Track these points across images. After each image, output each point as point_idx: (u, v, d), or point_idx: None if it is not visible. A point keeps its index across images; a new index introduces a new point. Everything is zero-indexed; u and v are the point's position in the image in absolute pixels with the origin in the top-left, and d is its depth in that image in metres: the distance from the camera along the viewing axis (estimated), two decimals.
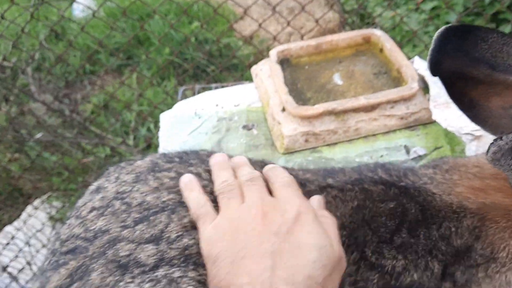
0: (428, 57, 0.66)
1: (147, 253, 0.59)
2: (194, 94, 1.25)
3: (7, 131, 2.34)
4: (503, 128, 0.68)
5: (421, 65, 1.16)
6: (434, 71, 0.67)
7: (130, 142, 2.81)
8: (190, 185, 0.65)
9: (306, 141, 1.06)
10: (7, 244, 2.15)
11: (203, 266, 0.58)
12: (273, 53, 1.21)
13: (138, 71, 3.38)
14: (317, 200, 0.65)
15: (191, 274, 0.57)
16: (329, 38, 1.24)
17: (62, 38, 3.69)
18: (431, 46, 0.65)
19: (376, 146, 1.07)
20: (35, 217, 2.28)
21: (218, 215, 0.61)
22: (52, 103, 2.76)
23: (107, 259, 0.60)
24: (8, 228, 2.34)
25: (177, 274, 0.57)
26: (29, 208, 2.44)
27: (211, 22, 3.51)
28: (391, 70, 1.19)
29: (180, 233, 0.61)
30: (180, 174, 0.68)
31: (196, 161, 0.73)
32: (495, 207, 0.68)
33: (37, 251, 2.18)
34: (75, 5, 3.93)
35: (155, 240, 0.60)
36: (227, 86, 1.28)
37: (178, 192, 0.65)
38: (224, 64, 3.06)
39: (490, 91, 0.67)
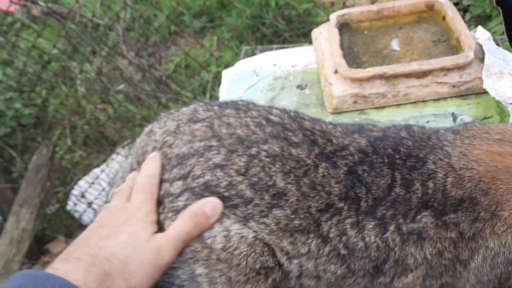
0: None
1: (175, 186, 0.70)
2: (255, 54, 1.31)
3: (95, 83, 2.58)
4: None
5: (482, 35, 1.14)
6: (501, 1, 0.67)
7: (206, 100, 2.96)
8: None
9: (355, 102, 1.10)
10: (92, 183, 2.40)
11: (217, 193, 0.69)
12: (333, 17, 1.24)
13: (218, 34, 3.50)
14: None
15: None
16: (391, 4, 1.24)
17: (151, 1, 3.89)
18: None
19: (424, 112, 1.08)
20: (117, 161, 2.51)
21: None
22: (135, 58, 2.96)
23: None
24: (95, 171, 2.61)
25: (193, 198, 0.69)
26: (113, 155, 2.68)
27: None
28: (451, 38, 1.17)
29: (203, 172, 0.70)
30: (211, 125, 0.76)
31: (231, 111, 0.80)
32: (509, 171, 0.69)
33: None
34: None
35: (183, 177, 0.70)
36: (287, 47, 1.33)
37: (206, 139, 0.74)
38: (302, 30, 3.08)
39: None
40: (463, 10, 2.44)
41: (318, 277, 0.71)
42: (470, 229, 0.68)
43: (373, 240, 0.69)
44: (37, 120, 3.11)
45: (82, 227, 2.51)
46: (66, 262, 0.62)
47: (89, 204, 2.47)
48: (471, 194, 0.69)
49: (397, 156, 0.73)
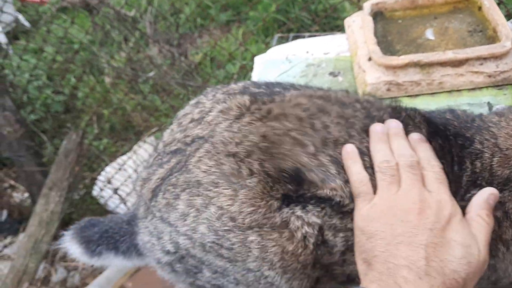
0: None
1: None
2: (288, 41, 1.32)
3: (125, 70, 2.62)
4: None
5: None
6: None
7: None
8: (353, 156, 0.71)
9: (388, 90, 1.10)
10: (119, 169, 2.44)
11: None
12: (367, 5, 1.23)
13: (244, 27, 3.51)
14: (483, 199, 0.67)
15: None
16: None
17: None
18: None
19: (459, 101, 1.07)
20: (144, 149, 2.54)
21: (376, 195, 0.68)
22: (164, 47, 2.99)
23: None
24: (123, 157, 2.65)
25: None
26: (140, 142, 2.72)
27: None
28: (487, 28, 1.16)
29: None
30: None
31: (279, 89, 0.81)
32: None
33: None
34: None
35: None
36: (319, 36, 1.33)
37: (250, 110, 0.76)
38: (328, 26, 3.08)
39: None
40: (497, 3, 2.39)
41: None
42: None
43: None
44: (67, 108, 3.18)
45: (107, 212, 2.56)
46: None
47: (115, 190, 2.51)
48: None
49: (448, 134, 0.74)
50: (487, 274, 0.74)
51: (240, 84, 0.84)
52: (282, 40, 1.37)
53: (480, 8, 1.20)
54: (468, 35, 1.17)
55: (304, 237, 0.69)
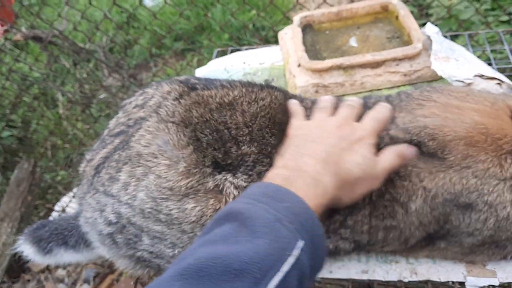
0: None
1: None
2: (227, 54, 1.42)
3: (76, 95, 2.65)
4: None
5: (431, 30, 1.26)
6: None
7: None
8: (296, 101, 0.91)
9: (316, 92, 1.20)
10: (73, 196, 2.45)
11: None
12: (297, 18, 1.36)
13: (199, 55, 3.62)
14: (400, 147, 0.79)
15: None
16: (349, 6, 1.37)
17: (133, 25, 4.03)
18: None
19: None
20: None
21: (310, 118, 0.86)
22: (116, 73, 3.06)
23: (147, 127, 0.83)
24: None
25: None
26: None
27: (268, 10, 3.68)
28: (404, 34, 1.29)
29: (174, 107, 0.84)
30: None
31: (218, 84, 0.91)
32: (461, 120, 0.80)
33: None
34: None
35: None
36: (255, 48, 1.44)
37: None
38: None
39: None
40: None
41: None
42: (406, 167, 0.78)
43: None
44: (19, 142, 3.17)
45: None
46: (302, 179, 0.69)
47: (63, 210, 2.51)
48: (417, 136, 0.79)
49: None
50: (395, 235, 0.83)
51: (182, 77, 0.93)
52: (222, 54, 1.47)
53: (397, 17, 1.34)
54: (387, 41, 1.31)
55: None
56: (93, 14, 3.72)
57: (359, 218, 0.81)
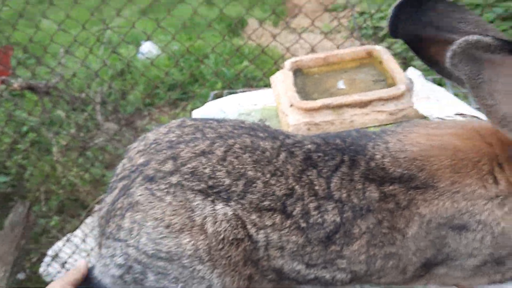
0: (387, 23, 0.86)
1: (167, 165, 0.87)
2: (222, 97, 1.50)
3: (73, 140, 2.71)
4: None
5: (414, 73, 1.36)
6: (393, 34, 0.87)
7: None
8: None
9: (308, 129, 1.27)
10: (67, 240, 2.45)
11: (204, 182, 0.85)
12: (287, 63, 1.45)
13: (192, 104, 3.73)
14: None
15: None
16: (336, 52, 1.47)
17: (126, 77, 4.15)
18: (389, 15, 0.85)
19: None
20: (92, 221, 2.58)
21: None
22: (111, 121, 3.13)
23: (143, 176, 0.87)
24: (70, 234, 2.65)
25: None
26: (88, 218, 2.75)
27: (259, 61, 3.83)
28: (388, 77, 1.39)
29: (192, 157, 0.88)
30: (198, 126, 0.94)
31: (213, 121, 0.97)
32: (443, 147, 0.86)
33: (92, 249, 2.46)
34: (140, 48, 4.43)
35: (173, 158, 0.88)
36: (249, 91, 1.52)
37: (193, 134, 0.92)
38: None
39: (439, 48, 0.84)
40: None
41: (282, 248, 0.84)
42: (405, 198, 0.83)
43: (331, 218, 0.84)
44: (13, 187, 3.18)
45: None
46: None
47: (63, 264, 2.49)
48: (409, 169, 0.85)
49: (344, 145, 0.90)
50: (394, 263, 0.87)
51: (179, 119, 0.99)
52: (218, 97, 1.56)
53: (381, 62, 1.44)
54: (372, 84, 1.40)
55: (221, 236, 0.81)
56: (89, 64, 3.84)
57: (355, 248, 0.85)
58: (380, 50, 1.45)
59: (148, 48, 4.41)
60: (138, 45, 4.39)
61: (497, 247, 0.83)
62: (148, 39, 3.42)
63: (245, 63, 3.94)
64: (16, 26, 2.87)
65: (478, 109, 1.39)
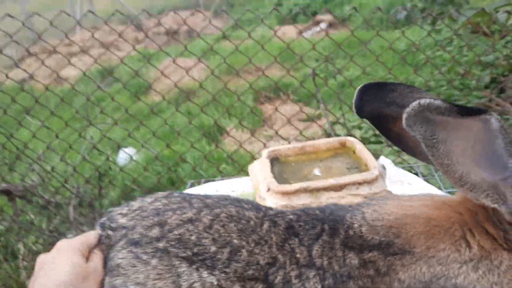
0: (353, 105, 0.93)
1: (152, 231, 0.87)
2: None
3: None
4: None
5: (383, 160, 1.42)
6: (359, 114, 0.94)
7: None
8: None
9: None
10: None
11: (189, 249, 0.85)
12: (265, 152, 1.51)
13: None
14: None
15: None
16: (311, 142, 1.54)
17: (104, 180, 4.15)
18: (355, 97, 0.93)
19: None
20: None
21: None
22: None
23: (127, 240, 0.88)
24: None
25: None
26: None
27: (237, 164, 3.92)
28: (361, 165, 1.45)
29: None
30: (184, 197, 0.96)
31: (197, 196, 0.98)
32: (416, 216, 0.90)
33: None
34: (120, 154, 4.50)
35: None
36: (227, 179, 1.55)
37: (180, 203, 0.94)
38: None
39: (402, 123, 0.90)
40: None
41: None
42: (384, 264, 0.84)
43: (312, 286, 0.83)
44: None
45: None
46: None
47: None
48: (386, 236, 0.87)
49: (324, 215, 0.92)
50: None
51: (165, 192, 1.01)
52: (195, 185, 1.58)
53: (354, 152, 1.51)
54: (347, 171, 1.45)
55: None
56: (65, 168, 3.85)
57: None
58: (353, 140, 1.52)
59: (127, 154, 4.48)
60: (118, 150, 4.46)
61: None
62: (126, 146, 3.50)
63: (223, 165, 4.02)
64: None
65: (450, 192, 1.44)
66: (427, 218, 0.90)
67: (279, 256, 0.86)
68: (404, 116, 0.76)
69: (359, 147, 1.48)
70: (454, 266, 0.84)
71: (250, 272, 0.83)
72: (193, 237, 0.85)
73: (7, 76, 3.17)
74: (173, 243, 0.85)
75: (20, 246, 3.25)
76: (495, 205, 0.83)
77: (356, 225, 0.90)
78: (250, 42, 2.77)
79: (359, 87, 0.93)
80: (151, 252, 0.83)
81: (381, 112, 0.93)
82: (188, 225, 0.87)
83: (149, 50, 6.67)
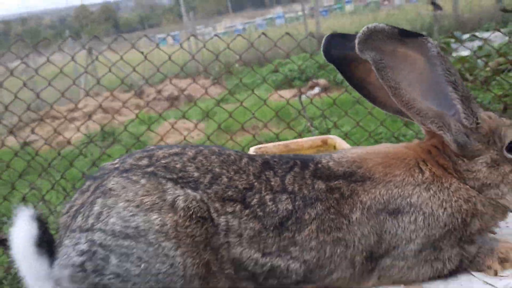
0: (321, 49, 1.10)
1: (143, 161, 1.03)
2: None
3: None
4: (386, 101, 1.05)
5: None
6: (327, 57, 1.11)
7: None
8: None
9: None
10: None
11: (175, 173, 1.01)
12: (252, 149, 1.66)
13: None
14: None
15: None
16: (295, 140, 1.70)
17: None
18: (323, 43, 1.10)
19: None
20: None
21: None
22: None
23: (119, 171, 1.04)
24: None
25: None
26: None
27: None
28: None
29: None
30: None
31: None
32: (376, 152, 1.09)
33: None
34: None
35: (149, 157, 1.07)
36: None
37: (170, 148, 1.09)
38: None
39: (366, 67, 1.06)
40: None
41: (241, 235, 0.94)
42: (348, 189, 0.98)
43: (285, 206, 0.97)
44: None
45: None
46: None
47: None
48: (350, 168, 1.02)
49: (296, 156, 1.10)
50: (342, 251, 0.96)
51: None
52: None
53: (334, 147, 1.66)
54: None
55: (191, 211, 0.91)
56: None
57: (306, 233, 0.95)
58: (333, 137, 1.68)
59: None
60: None
61: (429, 227, 0.96)
62: None
63: None
64: None
65: None
66: (385, 153, 1.05)
67: (256, 183, 0.99)
68: (356, 41, 0.94)
69: (339, 141, 1.63)
70: (409, 188, 0.98)
71: (229, 193, 0.97)
72: (178, 165, 1.00)
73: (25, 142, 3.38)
74: (160, 168, 0.99)
75: None
76: (440, 132, 0.98)
77: (324, 161, 1.05)
78: (249, 103, 3.00)
79: (326, 35, 1.10)
80: (140, 174, 0.97)
81: (344, 56, 1.10)
82: (173, 157, 1.02)
83: (151, 114, 6.97)
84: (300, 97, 3.06)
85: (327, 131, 5.22)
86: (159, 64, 3.25)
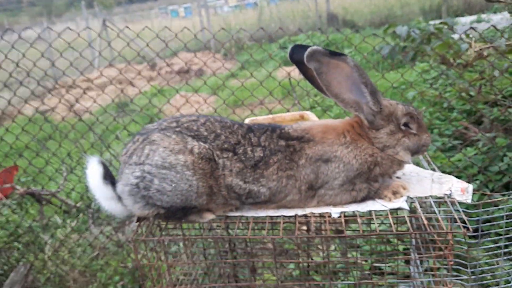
0: (288, 55, 1.65)
1: (172, 124, 1.58)
2: None
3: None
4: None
5: None
6: (291, 60, 1.63)
7: None
8: None
9: None
10: None
11: (193, 131, 1.58)
12: (247, 120, 2.23)
13: None
14: None
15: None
16: (280, 114, 2.26)
17: None
18: (289, 50, 1.65)
19: None
20: None
21: None
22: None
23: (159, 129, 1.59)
24: None
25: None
26: None
27: None
28: None
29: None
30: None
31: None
32: (320, 125, 1.60)
33: None
34: None
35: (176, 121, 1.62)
36: None
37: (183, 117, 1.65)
38: None
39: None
40: None
41: (231, 170, 1.52)
42: (298, 146, 1.55)
43: (258, 154, 1.53)
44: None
45: None
46: None
47: None
48: (301, 134, 1.57)
49: (271, 125, 1.64)
50: (293, 183, 1.54)
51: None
52: None
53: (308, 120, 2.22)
54: None
55: (202, 155, 1.50)
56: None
57: (271, 170, 1.53)
58: (308, 113, 2.24)
59: None
60: None
61: (347, 170, 1.53)
62: None
63: None
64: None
65: None
66: (325, 125, 1.61)
67: (242, 140, 1.56)
68: (305, 56, 1.50)
69: (312, 116, 2.20)
70: (335, 146, 1.55)
71: (226, 146, 1.54)
72: (194, 127, 1.57)
73: (36, 110, 3.91)
74: (183, 129, 1.56)
75: (48, 242, 3.88)
76: (357, 113, 1.55)
77: (286, 129, 1.61)
78: (257, 79, 3.26)
79: (292, 45, 1.66)
80: (172, 132, 1.55)
81: (302, 60, 1.64)
82: (191, 122, 1.59)
83: (163, 87, 7.54)
84: (290, 78, 3.59)
85: (314, 107, 5.76)
86: (171, 37, 3.36)
